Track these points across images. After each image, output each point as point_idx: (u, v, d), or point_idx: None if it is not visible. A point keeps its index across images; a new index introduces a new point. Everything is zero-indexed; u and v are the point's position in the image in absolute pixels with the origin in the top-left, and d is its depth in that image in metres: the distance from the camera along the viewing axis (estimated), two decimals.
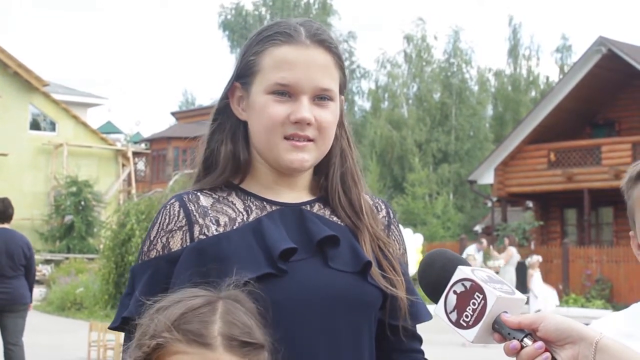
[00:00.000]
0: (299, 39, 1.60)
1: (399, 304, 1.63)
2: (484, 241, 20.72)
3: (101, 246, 22.22)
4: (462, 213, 38.53)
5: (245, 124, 1.67)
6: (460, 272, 1.33)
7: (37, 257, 11.88)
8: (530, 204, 27.60)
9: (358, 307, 1.58)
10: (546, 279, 21.47)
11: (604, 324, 1.65)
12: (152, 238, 1.60)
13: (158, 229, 1.60)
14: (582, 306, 20.60)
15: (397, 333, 1.66)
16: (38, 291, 18.11)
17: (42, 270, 23.31)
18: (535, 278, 17.14)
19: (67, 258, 26.47)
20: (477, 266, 1.42)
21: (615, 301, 20.73)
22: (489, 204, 28.48)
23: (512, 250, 19.13)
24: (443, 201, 36.93)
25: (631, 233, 1.69)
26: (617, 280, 21.49)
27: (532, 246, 23.05)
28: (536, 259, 17.62)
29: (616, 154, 23.25)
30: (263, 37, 1.63)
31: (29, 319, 8.35)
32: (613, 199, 24.06)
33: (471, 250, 20.15)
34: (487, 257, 20.17)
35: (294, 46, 1.59)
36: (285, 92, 1.58)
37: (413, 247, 16.06)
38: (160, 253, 1.58)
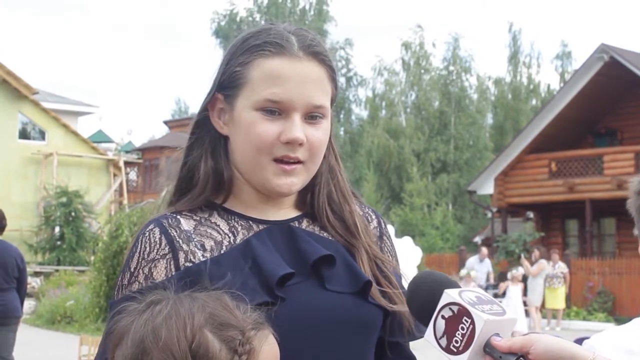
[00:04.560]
0: (291, 50, 1.49)
1: (400, 320, 1.56)
2: (484, 249, 20.68)
3: (92, 258, 22.05)
4: (462, 224, 38.57)
5: (225, 139, 1.56)
6: (447, 296, 1.29)
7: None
8: (530, 214, 27.57)
9: (360, 329, 1.52)
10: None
11: (602, 339, 1.67)
12: (132, 269, 1.48)
13: (138, 259, 1.48)
14: (584, 319, 20.60)
15: (396, 350, 1.61)
16: (27, 304, 18.17)
17: (32, 283, 23.16)
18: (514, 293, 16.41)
19: (57, 270, 26.25)
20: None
21: (617, 314, 20.71)
22: (489, 215, 28.46)
23: (544, 263, 18.91)
24: (442, 212, 36.91)
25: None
26: (620, 293, 21.48)
27: (533, 258, 22.84)
28: (521, 272, 17.23)
29: (618, 163, 23.32)
30: (250, 46, 1.51)
31: (17, 332, 8.18)
32: (615, 209, 23.87)
33: (472, 262, 19.90)
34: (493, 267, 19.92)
35: (286, 59, 1.48)
36: (275, 109, 1.48)
37: (412, 263, 15.69)
38: (143, 285, 1.46)
